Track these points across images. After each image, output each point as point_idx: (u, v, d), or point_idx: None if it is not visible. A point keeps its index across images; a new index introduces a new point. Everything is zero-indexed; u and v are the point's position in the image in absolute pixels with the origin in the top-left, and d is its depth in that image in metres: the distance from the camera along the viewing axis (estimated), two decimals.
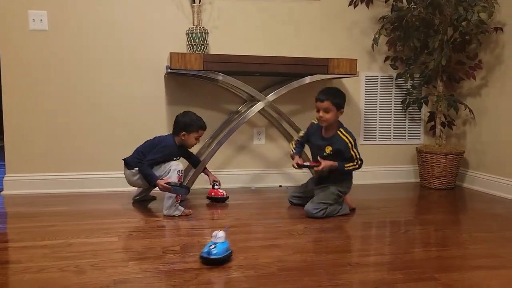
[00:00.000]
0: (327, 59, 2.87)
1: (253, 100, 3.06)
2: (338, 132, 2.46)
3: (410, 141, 3.54)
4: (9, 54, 2.84)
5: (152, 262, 1.74)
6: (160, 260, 1.75)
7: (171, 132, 2.58)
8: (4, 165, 2.90)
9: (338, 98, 2.45)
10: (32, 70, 2.88)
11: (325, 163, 2.42)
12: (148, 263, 1.73)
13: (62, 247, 1.87)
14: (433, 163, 3.23)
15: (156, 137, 2.61)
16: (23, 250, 1.84)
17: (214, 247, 1.69)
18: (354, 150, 2.45)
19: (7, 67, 2.84)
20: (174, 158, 2.52)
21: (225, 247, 1.73)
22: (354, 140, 2.47)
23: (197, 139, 2.57)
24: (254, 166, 3.26)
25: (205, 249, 1.70)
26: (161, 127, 3.01)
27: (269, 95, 2.90)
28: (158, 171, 2.45)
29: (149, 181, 2.43)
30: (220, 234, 1.73)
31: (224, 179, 3.00)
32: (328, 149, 2.46)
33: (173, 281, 1.55)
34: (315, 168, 2.45)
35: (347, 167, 2.46)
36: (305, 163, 2.52)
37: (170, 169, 2.43)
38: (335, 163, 2.43)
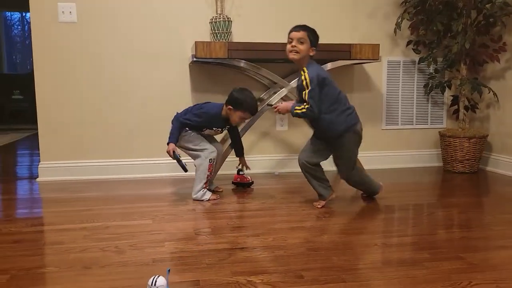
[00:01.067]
0: (350, 44, 2.89)
1: (275, 87, 3.11)
2: (301, 70, 2.21)
3: (432, 125, 3.55)
4: (41, 46, 2.94)
5: (186, 243, 1.82)
6: (193, 241, 1.84)
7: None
8: (39, 153, 3.02)
9: (314, 34, 2.28)
10: (63, 61, 2.98)
11: (281, 105, 2.32)
12: (182, 243, 1.82)
13: (100, 229, 1.98)
14: (456, 147, 3.24)
15: (207, 102, 2.66)
16: (64, 232, 1.95)
17: None
18: (307, 89, 2.15)
19: (39, 58, 2.95)
20: (214, 128, 2.54)
21: None
22: (315, 78, 2.15)
23: (241, 119, 2.51)
24: (277, 151, 3.32)
25: None
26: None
27: (292, 82, 2.94)
28: (193, 143, 2.50)
29: (169, 137, 2.46)
30: (160, 282, 1.24)
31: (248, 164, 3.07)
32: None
33: (207, 260, 1.63)
34: (274, 111, 2.38)
35: (296, 109, 2.21)
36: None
37: (202, 153, 2.48)
38: (290, 106, 2.26)
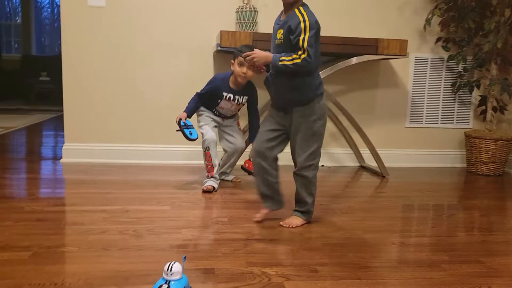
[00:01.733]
0: (377, 39, 2.84)
1: None
2: (296, 10, 1.78)
3: (458, 125, 3.47)
4: (70, 29, 2.98)
5: (202, 230, 1.84)
6: (210, 230, 1.85)
7: None
8: (63, 134, 3.08)
9: None
10: (90, 45, 3.02)
11: (259, 52, 1.80)
12: (199, 231, 1.83)
13: (119, 212, 2.01)
14: (481, 148, 3.16)
15: None
16: (85, 213, 1.99)
17: None
18: (305, 34, 1.72)
19: (67, 41, 2.99)
20: (225, 95, 2.45)
21: (182, 286, 1.21)
22: (315, 24, 1.77)
23: (240, 66, 2.33)
24: None
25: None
26: None
27: None
28: (199, 125, 2.53)
29: (190, 110, 2.50)
30: (176, 268, 1.20)
31: None
32: (280, 33, 1.81)
33: (223, 249, 1.65)
34: (247, 59, 1.83)
35: (282, 60, 1.74)
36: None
37: (201, 130, 2.49)
38: (270, 55, 1.79)
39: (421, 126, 3.43)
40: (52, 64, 7.42)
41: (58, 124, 4.99)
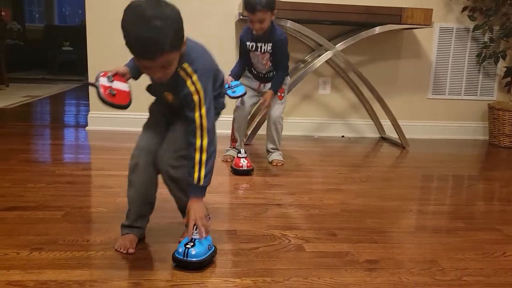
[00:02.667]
0: (401, 8, 2.79)
1: (320, 49, 3.07)
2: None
3: (482, 97, 3.42)
4: None
5: (225, 195, 1.90)
6: (232, 195, 1.92)
7: None
8: (86, 103, 3.16)
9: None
10: (114, 13, 3.04)
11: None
12: (221, 196, 1.89)
13: None
14: (505, 120, 3.12)
15: None
16: (112, 177, 2.07)
17: (193, 246, 1.26)
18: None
19: (91, 10, 3.03)
20: (247, 43, 2.35)
21: (207, 244, 1.29)
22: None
23: (251, 22, 2.21)
24: (318, 115, 3.32)
25: (180, 248, 1.26)
26: (231, 64, 3.11)
27: (338, 45, 2.89)
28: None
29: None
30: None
31: (288, 127, 3.08)
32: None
33: (244, 213, 1.71)
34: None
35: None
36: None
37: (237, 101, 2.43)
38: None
39: (444, 98, 3.39)
40: (74, 34, 7.52)
41: (81, 93, 5.09)
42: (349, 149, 2.98)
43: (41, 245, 1.36)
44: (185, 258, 1.25)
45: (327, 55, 2.90)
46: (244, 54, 2.41)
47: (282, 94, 2.41)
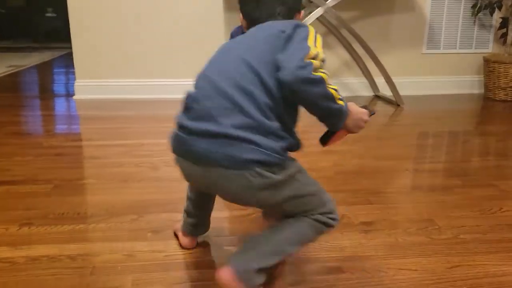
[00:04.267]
0: None
1: (311, 6, 2.96)
2: None
3: (477, 50, 3.34)
4: None
5: None
6: None
7: None
8: (74, 71, 3.06)
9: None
10: None
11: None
12: None
13: (135, 146, 2.04)
14: (500, 73, 3.07)
15: None
16: (101, 148, 2.03)
17: None
18: None
19: None
20: None
21: None
22: None
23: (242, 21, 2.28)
24: None
25: None
26: (219, 32, 3.02)
27: (329, 1, 2.78)
28: None
29: None
30: None
31: None
32: None
33: None
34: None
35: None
36: None
37: None
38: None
39: (439, 52, 3.32)
40: (58, 0, 7.24)
41: (68, 61, 4.95)
42: None
43: (30, 219, 1.34)
44: None
45: (317, 12, 2.80)
46: None
47: None
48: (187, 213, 1.19)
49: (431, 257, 1.17)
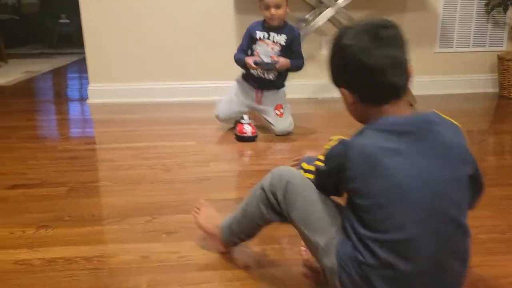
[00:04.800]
0: None
1: (321, 7, 2.95)
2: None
3: (491, 48, 3.30)
4: None
5: (229, 163, 1.87)
6: (236, 162, 1.89)
7: None
8: (87, 76, 3.09)
9: None
10: None
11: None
12: (225, 164, 1.86)
13: (147, 149, 2.05)
14: None
15: None
16: (114, 150, 2.04)
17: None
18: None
19: None
20: (257, 33, 2.21)
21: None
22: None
23: (266, 9, 2.12)
24: (321, 76, 3.22)
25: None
26: (230, 35, 3.03)
27: (340, 1, 2.78)
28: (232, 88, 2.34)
29: (243, 65, 2.22)
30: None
31: (290, 90, 3.02)
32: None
33: (251, 180, 1.67)
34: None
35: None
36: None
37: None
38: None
39: (452, 51, 3.28)
40: (71, 6, 7.32)
41: (81, 66, 5.01)
42: None
43: (46, 222, 1.35)
44: None
45: (328, 13, 2.79)
46: (247, 47, 2.25)
47: (281, 110, 2.26)
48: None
49: None
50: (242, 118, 2.17)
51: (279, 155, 1.99)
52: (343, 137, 0.87)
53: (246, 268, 1.11)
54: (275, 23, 2.17)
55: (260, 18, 2.26)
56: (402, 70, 0.85)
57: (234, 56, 2.27)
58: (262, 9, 2.16)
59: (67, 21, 7.52)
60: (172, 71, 3.10)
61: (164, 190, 1.59)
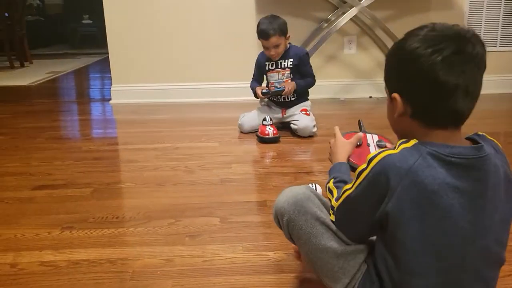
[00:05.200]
0: None
1: (345, 6, 2.91)
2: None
3: None
4: None
5: (252, 165, 1.86)
6: (259, 164, 1.88)
7: None
8: (111, 76, 3.13)
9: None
10: None
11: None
12: (249, 166, 1.85)
13: (170, 150, 2.06)
14: None
15: None
16: (138, 151, 2.06)
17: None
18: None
19: None
20: (266, 64, 2.29)
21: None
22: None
23: (267, 49, 2.22)
24: (344, 76, 3.20)
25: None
26: (252, 36, 3.01)
27: (363, 0, 2.74)
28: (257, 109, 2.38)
29: (255, 94, 2.32)
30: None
31: (312, 90, 2.99)
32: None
33: (273, 182, 1.66)
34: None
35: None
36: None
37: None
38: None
39: None
40: (94, 7, 7.44)
41: (103, 66, 5.08)
42: (378, 111, 2.86)
43: (71, 223, 1.36)
44: None
45: (352, 12, 2.76)
46: (259, 77, 2.38)
47: (307, 112, 2.28)
48: None
49: None
50: (265, 119, 2.15)
51: (301, 157, 1.98)
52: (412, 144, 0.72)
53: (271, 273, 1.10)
54: (276, 59, 2.27)
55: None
56: (474, 98, 0.74)
57: (250, 85, 2.37)
58: (264, 49, 2.26)
59: (90, 21, 7.63)
60: (195, 72, 3.11)
61: (187, 192, 1.59)
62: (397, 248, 0.73)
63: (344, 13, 2.81)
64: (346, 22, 2.81)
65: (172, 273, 1.11)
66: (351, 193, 0.77)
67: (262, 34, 2.18)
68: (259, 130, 2.17)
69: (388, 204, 0.70)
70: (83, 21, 7.67)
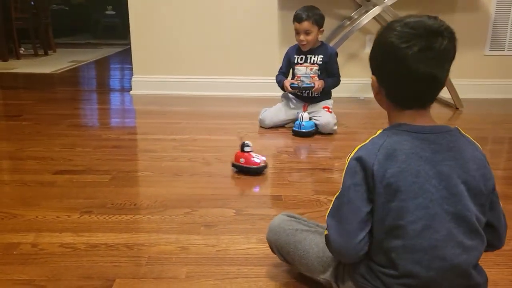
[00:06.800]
0: None
1: (368, 5, 2.89)
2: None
3: None
4: None
5: (269, 160, 1.86)
6: (276, 159, 1.88)
7: None
8: (131, 67, 3.17)
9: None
10: None
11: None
12: (266, 160, 1.86)
13: (188, 141, 2.08)
14: None
15: None
16: (156, 141, 2.09)
17: (303, 124, 2.08)
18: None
19: None
20: (295, 57, 2.29)
21: (310, 124, 2.13)
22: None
23: (297, 34, 2.22)
24: (364, 75, 3.17)
25: (296, 126, 2.10)
26: (274, 31, 3.02)
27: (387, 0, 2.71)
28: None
29: (282, 87, 2.33)
30: (305, 115, 2.13)
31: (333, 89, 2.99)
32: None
33: (289, 177, 1.67)
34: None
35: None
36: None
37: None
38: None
39: (503, 54, 3.15)
40: None
41: (125, 57, 5.15)
42: None
43: (90, 208, 1.39)
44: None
45: (375, 11, 2.74)
46: (287, 70, 2.37)
47: (329, 110, 2.29)
48: None
49: (493, 268, 1.11)
50: (248, 145, 1.71)
51: (318, 153, 1.98)
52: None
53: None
54: (305, 48, 2.26)
55: None
56: (439, 84, 0.82)
57: (276, 78, 2.37)
58: (295, 33, 2.25)
59: (113, 12, 7.73)
60: (216, 65, 3.13)
61: (203, 183, 1.61)
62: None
63: (367, 11, 2.79)
64: (368, 21, 2.79)
65: (187, 260, 1.13)
66: (339, 192, 0.84)
67: (297, 16, 2.20)
68: (241, 159, 1.69)
69: (377, 185, 0.78)
70: (107, 12, 7.77)
